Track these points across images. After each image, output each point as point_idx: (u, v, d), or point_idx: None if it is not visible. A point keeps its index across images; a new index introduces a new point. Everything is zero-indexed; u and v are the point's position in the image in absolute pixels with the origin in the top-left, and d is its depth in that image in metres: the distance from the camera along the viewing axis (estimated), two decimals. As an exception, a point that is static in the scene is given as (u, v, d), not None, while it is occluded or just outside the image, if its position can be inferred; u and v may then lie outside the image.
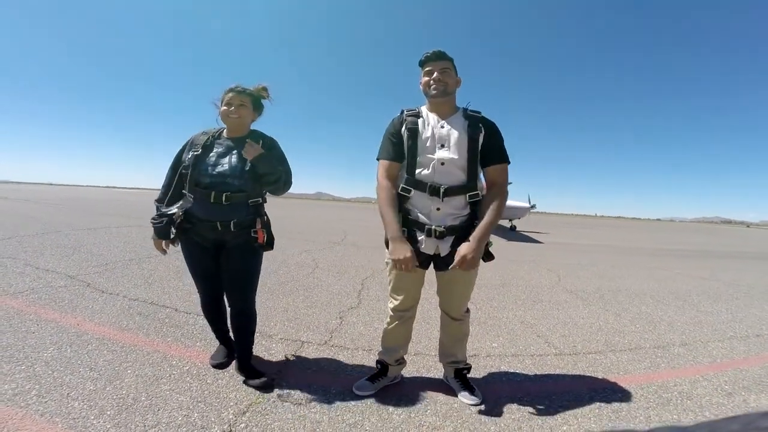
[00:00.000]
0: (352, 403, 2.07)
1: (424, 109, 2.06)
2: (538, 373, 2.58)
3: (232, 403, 1.99)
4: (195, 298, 3.66)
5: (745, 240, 23.32)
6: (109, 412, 1.84)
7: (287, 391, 2.15)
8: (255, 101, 2.27)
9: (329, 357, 2.64)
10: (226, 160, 2.18)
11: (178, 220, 2.19)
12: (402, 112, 2.08)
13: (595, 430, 1.91)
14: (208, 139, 2.23)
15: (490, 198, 1.97)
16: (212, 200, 2.11)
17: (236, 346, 2.37)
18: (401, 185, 1.98)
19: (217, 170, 2.15)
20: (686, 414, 2.11)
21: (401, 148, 1.99)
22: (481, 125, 1.96)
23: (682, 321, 3.99)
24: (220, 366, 2.37)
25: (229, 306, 2.34)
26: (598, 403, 2.18)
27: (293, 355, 2.63)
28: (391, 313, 2.17)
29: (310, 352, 2.69)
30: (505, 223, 19.08)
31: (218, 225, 2.14)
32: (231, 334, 2.44)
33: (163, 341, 2.70)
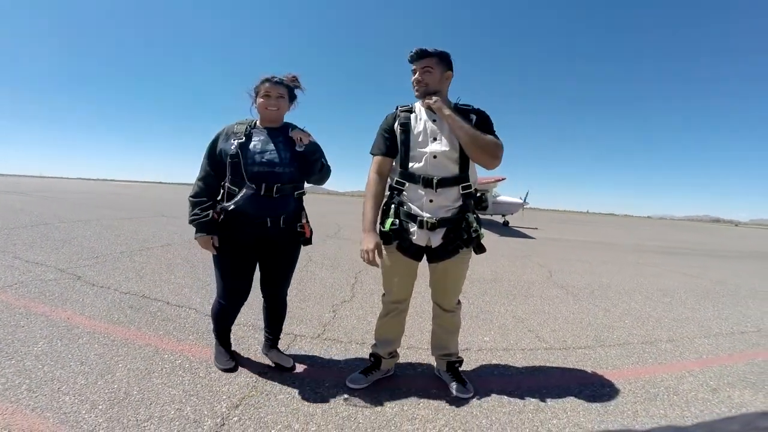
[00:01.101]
0: (346, 396, 2.09)
1: (417, 105, 2.11)
2: (528, 367, 2.61)
3: (224, 397, 1.99)
4: (187, 291, 3.68)
5: (732, 239, 23.66)
6: (101, 407, 1.83)
7: (281, 384, 2.16)
8: (290, 91, 2.23)
9: (322, 350, 2.65)
10: (272, 147, 2.13)
11: (221, 218, 2.12)
12: (396, 108, 2.12)
13: (594, 429, 1.93)
14: (247, 128, 2.16)
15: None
16: (263, 193, 2.07)
17: (269, 330, 2.43)
18: (396, 178, 2.05)
19: (266, 158, 2.09)
20: (672, 409, 2.16)
21: (394, 143, 2.05)
22: (472, 115, 2.00)
23: (669, 317, 4.05)
24: (233, 370, 2.27)
25: (267, 296, 2.37)
26: (587, 398, 2.22)
27: (287, 348, 2.63)
28: (384, 305, 2.21)
29: (303, 346, 2.70)
30: (498, 218, 19.18)
31: (268, 221, 2.11)
32: (264, 320, 2.45)
33: (155, 335, 2.69)
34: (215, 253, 2.19)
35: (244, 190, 2.07)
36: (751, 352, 3.14)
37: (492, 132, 2.02)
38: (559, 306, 4.23)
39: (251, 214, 2.09)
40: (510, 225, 18.04)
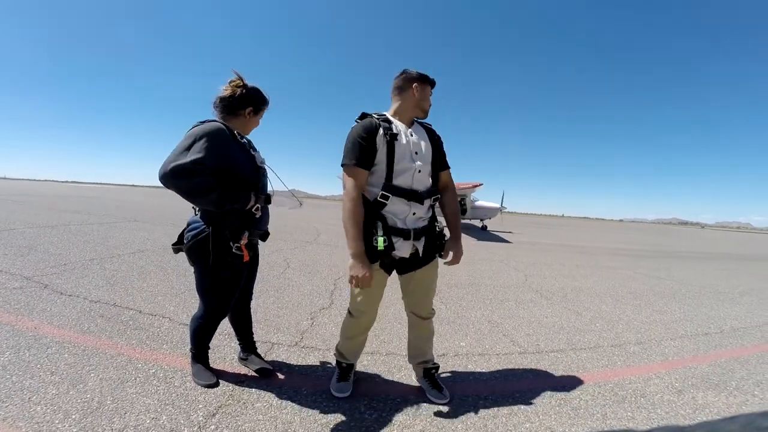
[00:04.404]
0: (324, 403, 2.09)
1: (389, 116, 2.08)
2: (503, 371, 2.66)
3: (201, 406, 1.97)
4: (160, 299, 3.61)
5: (698, 241, 24.57)
6: (74, 416, 1.79)
7: (258, 392, 2.15)
8: None
9: (300, 358, 2.65)
10: (261, 158, 2.18)
11: (244, 241, 2.00)
12: (371, 115, 2.03)
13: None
14: (239, 135, 2.06)
15: (451, 201, 2.27)
16: (268, 205, 2.19)
17: (243, 338, 2.46)
18: (380, 192, 1.94)
19: (262, 169, 2.15)
20: (640, 411, 2.24)
21: (373, 154, 1.93)
22: (437, 136, 2.18)
23: (638, 320, 4.19)
24: (216, 385, 2.18)
25: (238, 308, 2.39)
26: (559, 401, 2.28)
27: (264, 357, 2.61)
28: (356, 327, 2.19)
29: (281, 354, 2.69)
30: (477, 222, 19.46)
31: (267, 232, 2.25)
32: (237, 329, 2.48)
33: (128, 344, 2.63)
34: (212, 271, 2.00)
35: (260, 203, 2.08)
36: (714, 353, 3.28)
37: (444, 154, 2.23)
38: (533, 310, 4.33)
39: (263, 229, 2.17)
40: (488, 229, 18.31)
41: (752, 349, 3.44)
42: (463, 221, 20.51)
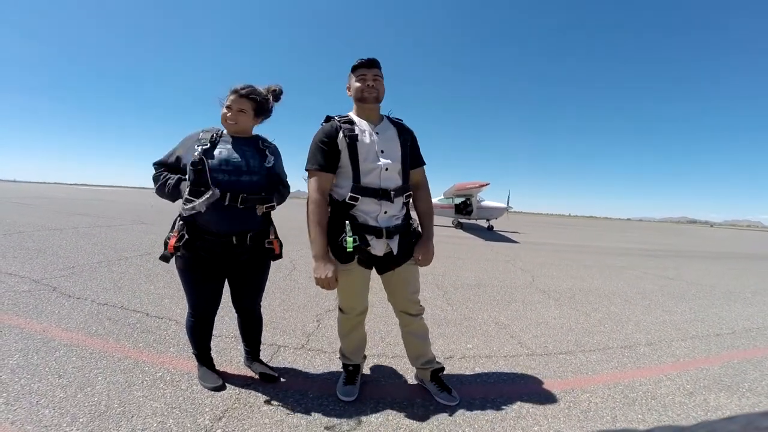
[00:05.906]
0: (330, 407, 2.08)
1: (354, 116, 2.06)
2: (510, 374, 2.64)
3: (207, 409, 1.97)
4: (167, 302, 3.62)
5: (708, 240, 24.28)
6: (81, 420, 1.80)
7: (264, 396, 2.14)
8: (258, 107, 2.14)
9: (306, 361, 2.64)
10: (240, 154, 2.05)
11: (184, 238, 1.98)
12: (331, 118, 2.03)
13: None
14: (213, 135, 2.07)
15: (422, 198, 2.24)
16: (227, 203, 1.96)
17: (247, 344, 2.43)
18: (349, 193, 1.94)
19: (232, 164, 2.01)
20: (650, 414, 2.20)
21: (336, 157, 1.95)
22: (407, 132, 2.13)
23: (648, 321, 4.14)
24: (222, 388, 2.18)
25: (239, 311, 2.36)
26: (568, 404, 2.25)
27: (270, 360, 2.61)
28: (347, 322, 2.20)
29: (287, 357, 2.68)
30: (483, 223, 19.39)
31: (233, 239, 2.02)
32: (241, 335, 2.45)
33: (135, 347, 2.64)
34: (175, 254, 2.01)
35: (209, 193, 1.90)
36: (726, 354, 3.23)
37: (419, 150, 2.21)
38: (541, 311, 4.29)
39: (215, 231, 1.99)
40: (494, 229, 18.23)
41: (765, 350, 3.38)
42: (469, 221, 20.55)
